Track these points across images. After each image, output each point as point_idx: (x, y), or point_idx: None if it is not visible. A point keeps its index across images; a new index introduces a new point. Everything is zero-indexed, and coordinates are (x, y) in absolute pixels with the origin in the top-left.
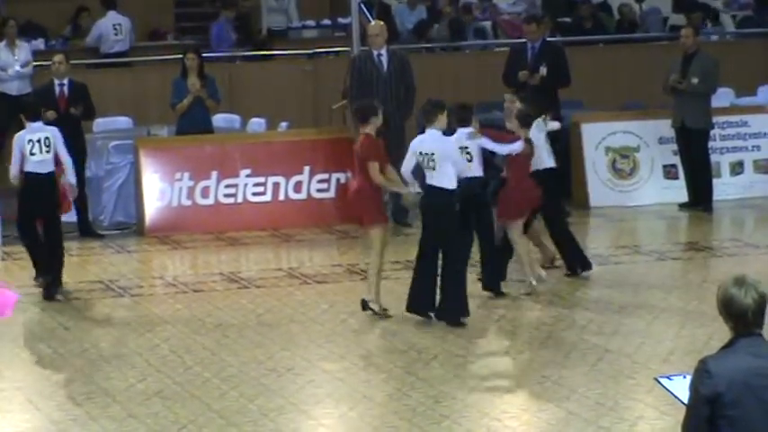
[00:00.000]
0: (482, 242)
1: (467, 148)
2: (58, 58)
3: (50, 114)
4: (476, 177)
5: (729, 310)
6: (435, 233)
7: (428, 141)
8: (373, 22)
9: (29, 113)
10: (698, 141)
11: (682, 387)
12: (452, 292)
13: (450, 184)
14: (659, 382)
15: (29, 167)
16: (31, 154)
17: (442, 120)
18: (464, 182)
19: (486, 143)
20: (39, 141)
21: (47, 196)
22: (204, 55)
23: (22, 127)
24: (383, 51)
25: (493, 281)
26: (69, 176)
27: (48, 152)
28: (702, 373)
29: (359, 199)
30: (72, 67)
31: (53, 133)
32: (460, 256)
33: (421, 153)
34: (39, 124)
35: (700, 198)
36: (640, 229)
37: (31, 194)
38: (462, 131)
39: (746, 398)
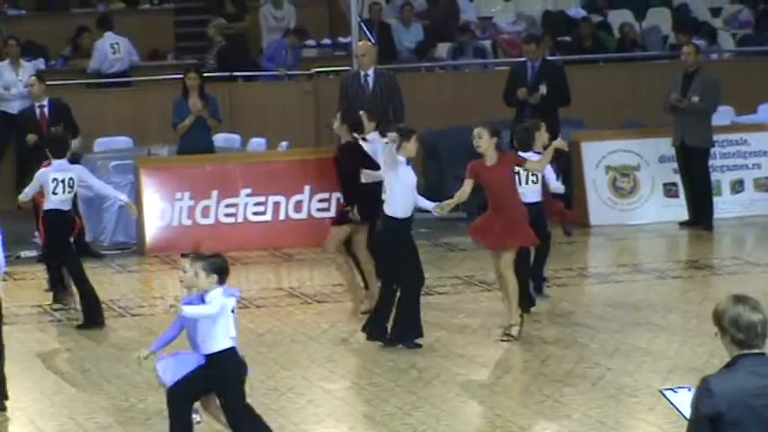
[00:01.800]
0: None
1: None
2: (31, 80)
3: (31, 138)
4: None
5: (739, 324)
6: (384, 262)
7: None
8: (360, 42)
9: (55, 149)
10: (698, 160)
11: (686, 400)
12: (404, 314)
13: (401, 212)
14: (664, 395)
15: (51, 205)
16: (54, 193)
17: (409, 147)
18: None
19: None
20: (63, 182)
21: (68, 233)
22: (207, 75)
23: (26, 148)
24: (370, 72)
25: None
26: (120, 198)
27: (70, 192)
28: (704, 392)
29: None
30: (64, 87)
31: (77, 174)
32: (411, 282)
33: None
34: (64, 162)
35: (700, 216)
36: (641, 247)
37: (54, 231)
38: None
39: (747, 418)
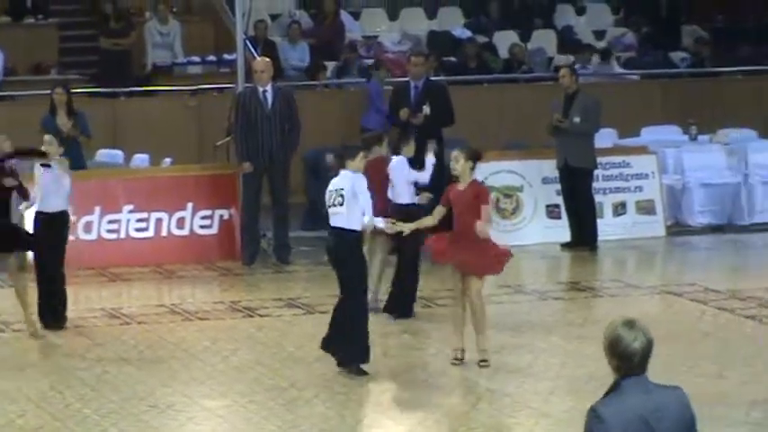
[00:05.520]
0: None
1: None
2: None
3: None
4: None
5: (615, 350)
6: (338, 276)
7: (338, 180)
8: (259, 59)
9: None
10: (582, 181)
11: None
12: (351, 336)
13: (356, 225)
14: None
15: None
16: None
17: (356, 164)
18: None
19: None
20: None
21: None
22: (89, 90)
23: None
24: (268, 88)
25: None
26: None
27: None
28: (594, 420)
29: None
30: None
31: None
32: (357, 301)
33: (329, 190)
34: None
35: (584, 237)
36: (523, 268)
37: None
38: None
39: None
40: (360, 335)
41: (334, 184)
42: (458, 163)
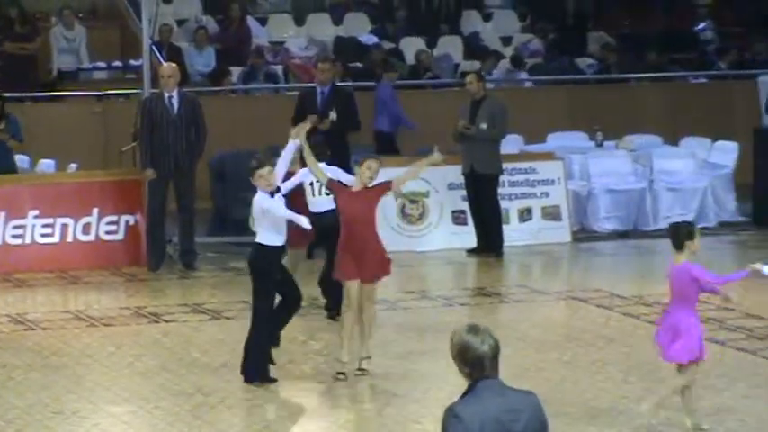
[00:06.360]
0: None
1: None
2: None
3: None
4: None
5: (466, 357)
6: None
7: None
8: (166, 64)
9: None
10: (487, 187)
11: None
12: (252, 352)
13: (266, 240)
14: None
15: None
16: None
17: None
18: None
19: None
20: None
21: None
22: None
23: None
24: (174, 93)
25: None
26: None
27: None
28: (452, 420)
29: None
30: None
31: None
32: (260, 317)
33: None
34: None
35: (490, 243)
36: (429, 274)
37: None
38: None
39: None
40: (255, 352)
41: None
42: (371, 170)
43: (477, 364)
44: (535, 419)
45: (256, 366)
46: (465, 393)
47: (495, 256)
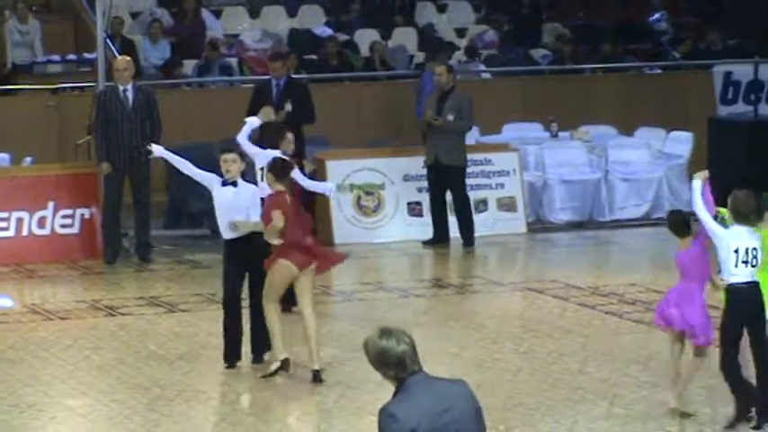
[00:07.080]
0: None
1: None
2: None
3: None
4: None
5: (386, 361)
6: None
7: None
8: (120, 57)
9: None
10: (454, 178)
11: None
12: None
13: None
14: None
15: None
16: None
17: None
18: None
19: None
20: None
21: None
22: None
23: None
24: (129, 87)
25: None
26: None
27: None
28: (388, 420)
29: None
30: None
31: None
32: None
33: None
34: None
35: (464, 234)
36: (384, 265)
37: None
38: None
39: (437, 426)
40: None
41: None
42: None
43: (399, 364)
44: (469, 407)
45: (267, 343)
46: (396, 393)
47: (467, 246)
